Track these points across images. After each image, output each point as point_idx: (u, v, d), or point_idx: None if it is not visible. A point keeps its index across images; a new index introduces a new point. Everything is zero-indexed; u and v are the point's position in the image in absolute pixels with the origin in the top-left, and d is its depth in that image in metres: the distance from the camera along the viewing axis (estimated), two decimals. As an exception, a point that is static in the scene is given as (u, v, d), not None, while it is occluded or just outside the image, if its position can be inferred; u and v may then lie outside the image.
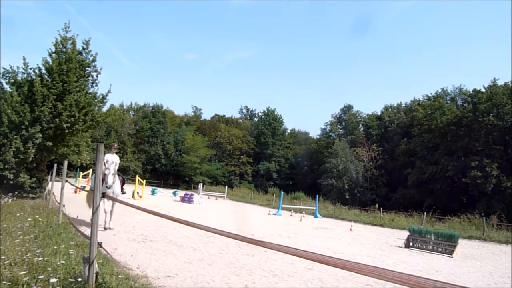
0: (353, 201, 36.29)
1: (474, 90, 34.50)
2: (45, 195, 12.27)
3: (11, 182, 11.52)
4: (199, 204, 22.02)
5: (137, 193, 21.21)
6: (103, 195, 6.94)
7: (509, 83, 32.17)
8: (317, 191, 37.37)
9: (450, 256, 10.65)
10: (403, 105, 48.01)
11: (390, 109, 48.64)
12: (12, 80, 12.99)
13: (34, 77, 12.49)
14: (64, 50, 12.79)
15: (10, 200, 10.31)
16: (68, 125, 12.19)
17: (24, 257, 4.12)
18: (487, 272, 8.58)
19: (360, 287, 5.70)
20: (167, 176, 48.27)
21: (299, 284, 5.41)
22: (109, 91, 13.74)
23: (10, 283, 3.35)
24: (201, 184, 34.01)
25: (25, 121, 11.56)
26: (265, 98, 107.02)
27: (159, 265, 5.61)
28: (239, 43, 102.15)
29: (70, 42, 12.90)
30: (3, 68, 13.74)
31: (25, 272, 3.60)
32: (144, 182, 23.99)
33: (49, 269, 3.81)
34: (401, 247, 11.95)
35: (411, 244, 11.93)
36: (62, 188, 7.95)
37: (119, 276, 4.01)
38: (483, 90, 33.52)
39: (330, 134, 52.82)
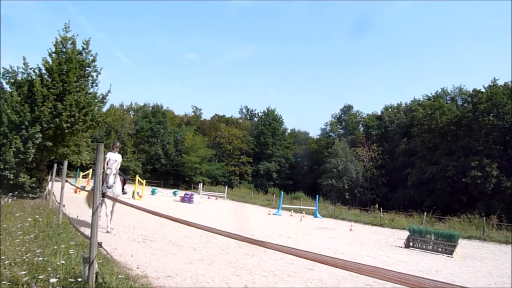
0: (353, 201, 36.29)
1: (474, 90, 34.52)
2: (45, 195, 12.27)
3: (11, 182, 11.51)
4: (199, 204, 22.02)
5: (137, 193, 21.21)
6: (103, 195, 6.95)
7: (509, 83, 32.23)
8: (317, 191, 37.39)
9: (450, 256, 10.65)
10: (403, 105, 48.04)
11: (390, 109, 48.64)
12: (12, 80, 12.97)
13: (34, 77, 12.48)
14: (64, 50, 12.79)
15: (10, 200, 10.30)
16: (68, 125, 12.19)
17: (24, 257, 4.12)
18: (487, 272, 8.58)
19: (360, 287, 5.70)
20: (167, 176, 48.28)
21: (299, 284, 5.41)
22: (109, 91, 13.76)
23: (10, 283, 3.34)
24: (201, 184, 34.00)
25: (25, 121, 11.56)
26: (265, 98, 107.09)
27: (159, 265, 5.61)
28: (239, 43, 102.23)
29: (70, 42, 12.90)
30: (3, 68, 13.73)
31: (25, 272, 3.59)
32: (144, 182, 23.99)
33: (49, 269, 3.81)
34: (401, 247, 11.95)
35: (411, 244, 11.93)
36: (62, 188, 7.95)
37: (119, 276, 4.00)
38: (483, 90, 33.55)
39: (330, 134, 52.85)
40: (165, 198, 24.85)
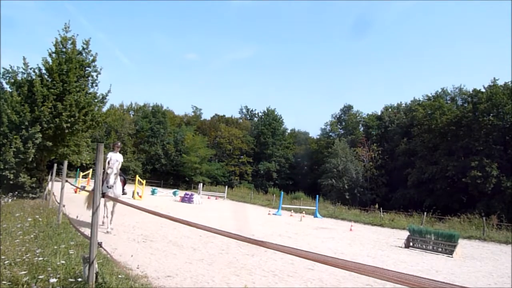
0: (353, 201, 36.28)
1: (474, 90, 34.51)
2: (45, 195, 12.27)
3: (11, 182, 11.51)
4: (199, 204, 22.02)
5: (137, 193, 21.21)
6: (103, 195, 6.95)
7: (509, 83, 32.22)
8: (317, 191, 37.38)
9: (450, 256, 10.65)
10: (403, 105, 48.03)
11: (390, 109, 48.64)
12: (12, 80, 12.97)
13: (34, 77, 12.48)
14: (64, 50, 12.79)
15: (10, 200, 10.30)
16: (68, 125, 12.19)
17: (24, 257, 4.12)
18: (487, 272, 8.58)
19: (360, 287, 5.70)
20: (167, 176, 48.28)
21: (299, 284, 5.41)
22: (109, 91, 13.76)
23: (10, 283, 3.34)
24: (201, 184, 34.00)
25: (25, 121, 11.56)
26: (265, 98, 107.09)
27: (159, 265, 5.61)
28: (239, 43, 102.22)
29: (70, 42, 12.90)
30: (3, 68, 13.72)
31: (25, 272, 3.59)
32: (144, 182, 23.99)
33: (49, 269, 3.81)
34: (401, 247, 11.95)
35: (411, 244, 11.93)
36: (62, 188, 7.95)
37: (119, 276, 4.00)
38: (483, 90, 33.54)
39: (330, 134, 52.85)
40: (165, 198, 24.84)
